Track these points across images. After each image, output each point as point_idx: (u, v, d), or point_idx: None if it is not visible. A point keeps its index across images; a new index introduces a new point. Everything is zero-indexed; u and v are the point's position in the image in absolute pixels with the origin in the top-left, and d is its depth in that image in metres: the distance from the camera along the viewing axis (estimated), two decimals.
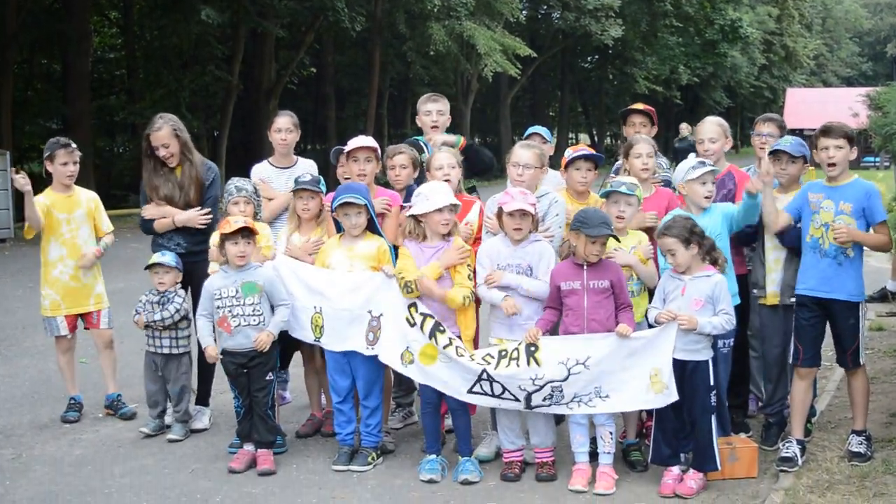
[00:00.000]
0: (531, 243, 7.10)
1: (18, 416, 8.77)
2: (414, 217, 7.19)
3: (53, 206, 8.54)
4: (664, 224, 6.88)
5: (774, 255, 7.51)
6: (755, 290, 7.64)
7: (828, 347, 7.72)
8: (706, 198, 7.23)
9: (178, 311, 8.02)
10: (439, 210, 7.06)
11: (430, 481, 7.02)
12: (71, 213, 8.59)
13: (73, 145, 8.70)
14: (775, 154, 7.50)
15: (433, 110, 8.45)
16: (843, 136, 7.05)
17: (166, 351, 8.07)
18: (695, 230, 6.75)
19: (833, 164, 7.04)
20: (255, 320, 7.32)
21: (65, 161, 8.57)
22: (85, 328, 8.77)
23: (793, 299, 7.28)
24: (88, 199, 8.79)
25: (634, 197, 7.19)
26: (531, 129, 8.85)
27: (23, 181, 8.17)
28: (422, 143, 8.32)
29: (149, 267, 8.13)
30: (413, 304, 7.10)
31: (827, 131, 7.11)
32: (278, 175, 8.42)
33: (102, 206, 8.95)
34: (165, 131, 8.28)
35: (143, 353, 8.23)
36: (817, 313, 7.14)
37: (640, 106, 8.85)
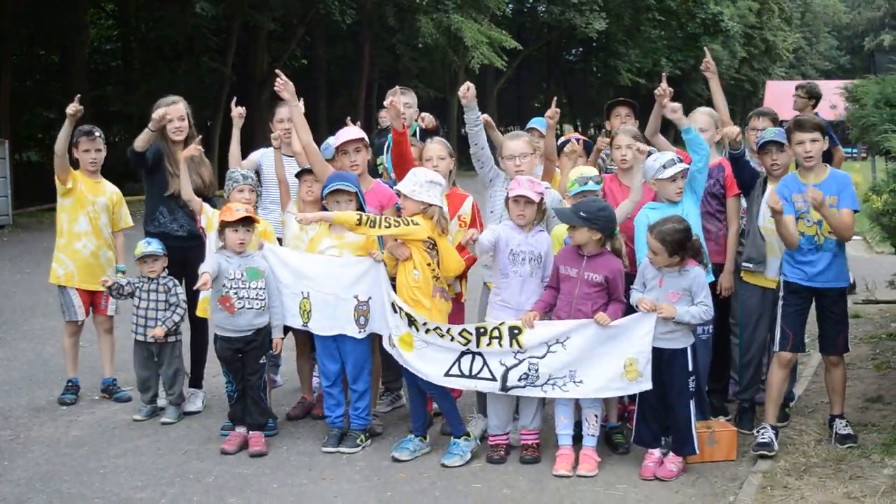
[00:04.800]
0: (540, 232, 7.27)
1: (16, 397, 8.88)
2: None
3: (85, 187, 8.72)
4: (659, 221, 6.91)
5: (771, 238, 7.57)
6: (750, 265, 7.66)
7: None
8: (677, 193, 7.32)
9: (182, 315, 8.24)
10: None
11: (394, 459, 7.18)
12: (95, 197, 8.77)
13: (97, 133, 8.87)
14: (764, 148, 7.64)
15: (396, 101, 8.50)
16: (816, 129, 7.12)
17: (161, 340, 8.17)
18: (685, 244, 6.82)
19: (811, 157, 7.10)
20: (258, 304, 7.43)
21: (87, 148, 8.77)
22: (95, 312, 8.88)
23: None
24: (112, 191, 8.96)
25: (600, 189, 7.38)
26: (531, 123, 8.99)
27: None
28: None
29: (138, 258, 8.23)
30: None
31: (801, 125, 7.17)
32: (288, 163, 8.41)
33: (125, 202, 9.09)
34: (181, 105, 8.51)
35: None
36: (806, 299, 7.22)
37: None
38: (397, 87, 8.65)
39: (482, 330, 7.11)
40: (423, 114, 8.73)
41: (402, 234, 7.17)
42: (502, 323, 7.07)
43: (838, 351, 7.34)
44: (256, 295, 7.44)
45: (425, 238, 7.21)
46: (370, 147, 8.15)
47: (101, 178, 8.94)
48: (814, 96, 9.63)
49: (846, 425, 7.31)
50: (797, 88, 9.54)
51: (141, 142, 8.33)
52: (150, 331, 8.10)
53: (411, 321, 7.19)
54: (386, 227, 7.12)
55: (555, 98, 8.37)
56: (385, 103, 8.01)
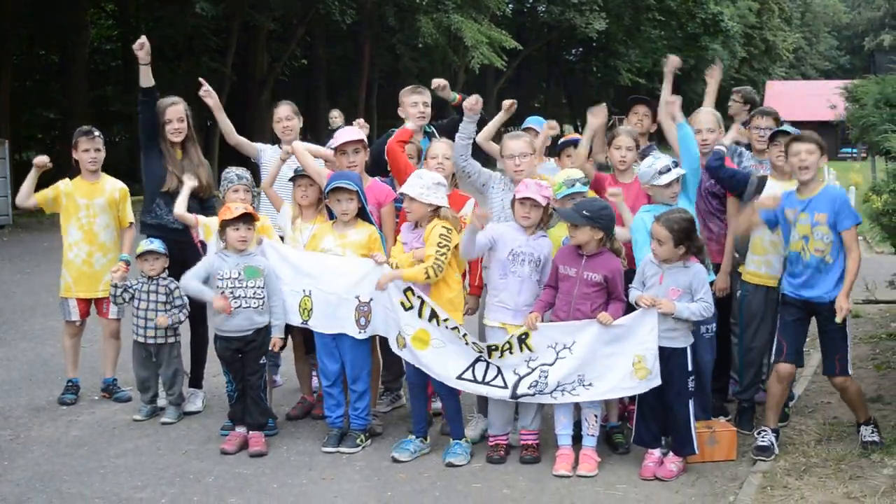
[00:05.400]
0: (543, 237, 7.27)
1: (16, 397, 8.89)
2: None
3: (76, 191, 8.69)
4: (665, 212, 6.97)
5: (759, 232, 7.58)
6: (737, 255, 7.71)
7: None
8: (672, 197, 7.30)
9: (187, 315, 8.23)
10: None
11: (394, 460, 7.19)
12: (91, 199, 8.71)
13: (96, 133, 8.84)
14: (774, 139, 7.63)
15: (419, 101, 8.41)
16: (814, 143, 7.04)
17: (161, 340, 8.18)
18: (691, 235, 6.84)
19: (806, 168, 7.00)
20: (255, 303, 7.44)
21: (86, 148, 8.74)
22: (98, 315, 8.86)
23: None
24: (113, 188, 8.89)
25: (587, 190, 7.36)
26: (528, 122, 8.97)
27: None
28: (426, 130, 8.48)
29: (139, 255, 8.22)
30: (409, 289, 7.20)
31: (798, 138, 7.12)
32: (289, 166, 8.32)
33: (129, 198, 9.04)
34: (182, 106, 8.50)
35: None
36: (802, 310, 7.16)
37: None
38: (412, 86, 8.63)
39: (493, 347, 7.12)
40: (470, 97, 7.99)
41: (454, 249, 7.22)
42: (511, 336, 7.07)
43: (834, 373, 7.17)
44: (254, 294, 7.44)
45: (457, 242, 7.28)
46: (368, 148, 8.13)
47: (102, 175, 8.88)
48: (749, 101, 9.53)
49: (873, 431, 7.21)
50: (734, 93, 9.49)
51: (144, 79, 8.51)
52: (156, 319, 8.07)
53: (432, 316, 7.17)
54: (444, 256, 7.12)
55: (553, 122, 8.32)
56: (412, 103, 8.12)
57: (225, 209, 7.47)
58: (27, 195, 8.58)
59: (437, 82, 8.49)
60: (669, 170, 7.24)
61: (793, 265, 7.17)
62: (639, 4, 53.93)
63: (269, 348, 7.61)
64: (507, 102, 8.05)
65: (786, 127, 7.72)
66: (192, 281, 7.46)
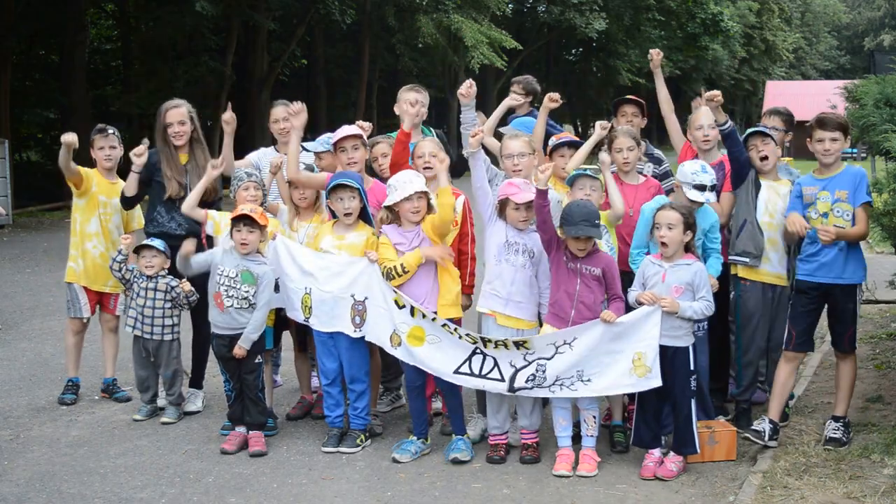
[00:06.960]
0: (534, 231, 7.22)
1: (16, 397, 8.88)
2: (388, 209, 7.34)
3: (98, 187, 8.75)
4: (671, 202, 7.09)
5: (772, 234, 7.61)
6: (747, 260, 7.61)
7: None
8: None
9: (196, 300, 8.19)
10: (408, 199, 7.23)
11: (395, 461, 7.19)
12: (109, 198, 8.78)
13: (110, 130, 8.88)
14: (748, 142, 7.71)
15: (416, 100, 8.28)
16: (838, 129, 7.17)
17: (158, 337, 8.17)
18: (695, 223, 6.97)
19: (829, 154, 7.16)
20: (245, 304, 7.44)
21: (101, 146, 8.80)
22: (102, 311, 8.91)
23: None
24: None
25: (598, 181, 7.36)
26: (514, 124, 8.93)
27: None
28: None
29: (137, 250, 8.21)
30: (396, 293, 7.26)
31: (822, 123, 7.21)
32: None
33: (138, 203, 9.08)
34: (184, 109, 8.47)
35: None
36: (815, 299, 7.24)
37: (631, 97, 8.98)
38: (411, 84, 8.58)
39: (487, 340, 7.12)
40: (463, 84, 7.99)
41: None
42: (507, 339, 7.07)
43: (843, 349, 7.37)
44: (245, 297, 7.45)
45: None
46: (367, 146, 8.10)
47: (117, 178, 8.95)
48: (531, 92, 9.23)
49: (838, 428, 7.28)
50: (513, 83, 9.10)
51: (130, 188, 8.47)
52: (181, 283, 8.10)
53: (424, 314, 7.19)
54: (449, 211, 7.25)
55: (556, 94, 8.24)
56: (408, 101, 7.99)
57: (235, 210, 7.51)
58: (67, 159, 8.48)
59: (469, 83, 7.93)
60: (704, 189, 7.24)
61: (812, 244, 7.20)
62: (639, 4, 53.85)
63: (272, 346, 7.62)
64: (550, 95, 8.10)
65: (760, 127, 7.84)
66: (194, 260, 7.59)
